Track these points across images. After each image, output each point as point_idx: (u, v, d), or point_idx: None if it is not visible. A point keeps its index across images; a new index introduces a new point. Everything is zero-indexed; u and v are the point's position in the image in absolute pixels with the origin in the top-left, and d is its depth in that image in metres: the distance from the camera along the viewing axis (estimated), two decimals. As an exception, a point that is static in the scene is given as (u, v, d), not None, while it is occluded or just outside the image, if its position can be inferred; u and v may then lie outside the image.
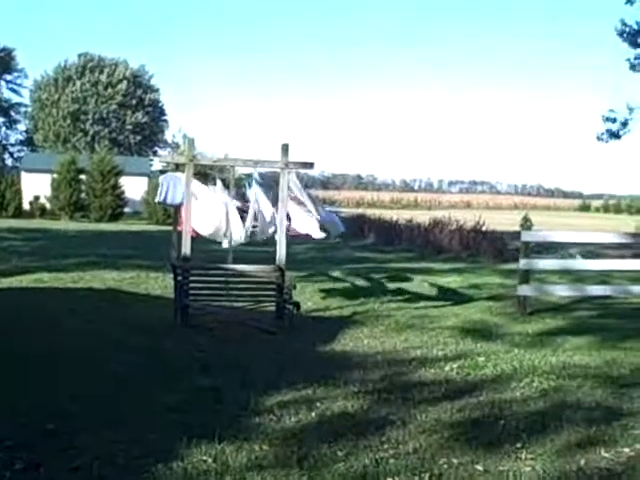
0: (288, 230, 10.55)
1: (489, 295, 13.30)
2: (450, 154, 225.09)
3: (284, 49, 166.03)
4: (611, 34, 24.24)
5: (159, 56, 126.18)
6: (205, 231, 10.98)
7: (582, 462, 4.81)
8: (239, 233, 10.84)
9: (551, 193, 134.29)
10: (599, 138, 25.47)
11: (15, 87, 68.16)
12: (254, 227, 10.92)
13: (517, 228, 13.20)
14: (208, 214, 10.80)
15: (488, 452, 4.94)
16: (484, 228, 23.82)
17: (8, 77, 67.24)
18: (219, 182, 11.61)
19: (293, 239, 11.49)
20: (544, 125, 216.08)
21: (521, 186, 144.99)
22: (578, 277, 14.80)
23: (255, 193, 10.79)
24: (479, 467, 4.69)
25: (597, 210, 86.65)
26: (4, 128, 68.38)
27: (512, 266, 15.74)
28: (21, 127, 69.11)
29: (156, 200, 11.93)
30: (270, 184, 11.13)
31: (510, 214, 49.29)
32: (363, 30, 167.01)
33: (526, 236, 11.90)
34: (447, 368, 7.47)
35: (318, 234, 11.07)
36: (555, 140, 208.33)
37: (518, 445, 5.08)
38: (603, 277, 14.75)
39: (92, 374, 6.76)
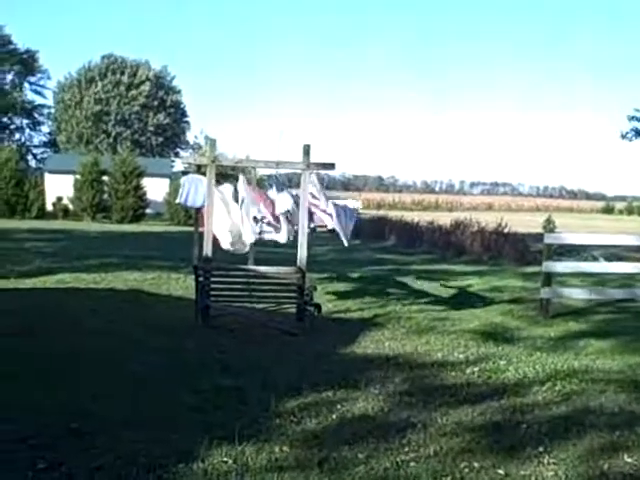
0: (313, 230, 10.54)
1: (511, 298, 13.21)
2: (471, 155, 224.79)
3: (304, 50, 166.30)
4: (636, 34, 24.06)
5: (181, 57, 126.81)
6: (224, 245, 11.02)
7: (605, 467, 4.77)
8: (250, 236, 10.85)
9: (574, 195, 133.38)
10: (624, 136, 25.29)
11: (38, 89, 69.03)
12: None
13: (539, 230, 13.14)
14: (225, 229, 10.79)
15: (510, 456, 4.91)
16: (506, 230, 23.64)
17: (32, 79, 68.06)
18: (241, 177, 11.56)
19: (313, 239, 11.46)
20: (567, 126, 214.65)
21: (543, 188, 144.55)
22: (601, 280, 14.66)
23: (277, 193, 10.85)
24: (501, 471, 4.66)
25: (621, 212, 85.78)
26: (28, 130, 69.26)
27: (534, 269, 15.65)
28: (44, 129, 69.94)
29: (177, 201, 11.99)
30: (282, 187, 11.14)
31: (532, 216, 49.04)
32: (383, 29, 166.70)
33: (549, 238, 11.85)
34: (468, 371, 7.44)
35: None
36: (578, 141, 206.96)
37: (540, 449, 5.05)
38: (626, 280, 14.59)
39: (114, 374, 6.79)
